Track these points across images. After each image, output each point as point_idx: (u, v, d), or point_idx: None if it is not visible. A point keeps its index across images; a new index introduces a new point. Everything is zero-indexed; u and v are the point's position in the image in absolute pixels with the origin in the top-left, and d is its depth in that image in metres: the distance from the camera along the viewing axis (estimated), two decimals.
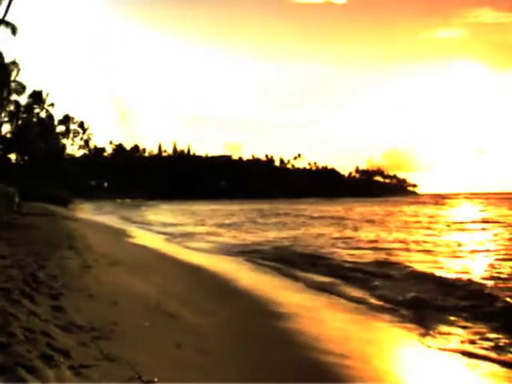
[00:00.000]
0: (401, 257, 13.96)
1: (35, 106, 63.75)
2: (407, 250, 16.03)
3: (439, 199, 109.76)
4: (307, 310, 8.13)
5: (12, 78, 53.78)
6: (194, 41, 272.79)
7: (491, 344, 6.04)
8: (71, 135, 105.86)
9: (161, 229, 27.42)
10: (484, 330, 6.63)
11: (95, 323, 4.95)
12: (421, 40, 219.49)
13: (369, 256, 14.18)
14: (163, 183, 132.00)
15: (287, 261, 13.44)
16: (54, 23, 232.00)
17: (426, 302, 8.28)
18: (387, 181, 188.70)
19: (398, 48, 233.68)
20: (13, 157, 59.68)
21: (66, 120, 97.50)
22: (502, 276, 10.51)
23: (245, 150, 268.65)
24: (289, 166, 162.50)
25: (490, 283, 9.47)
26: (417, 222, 32.05)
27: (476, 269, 11.81)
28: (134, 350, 4.46)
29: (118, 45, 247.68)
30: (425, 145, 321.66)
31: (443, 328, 6.83)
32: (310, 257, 14.15)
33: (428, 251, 15.44)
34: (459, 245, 17.30)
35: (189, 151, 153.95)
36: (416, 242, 18.27)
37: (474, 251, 15.32)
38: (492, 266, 12.10)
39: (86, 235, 15.81)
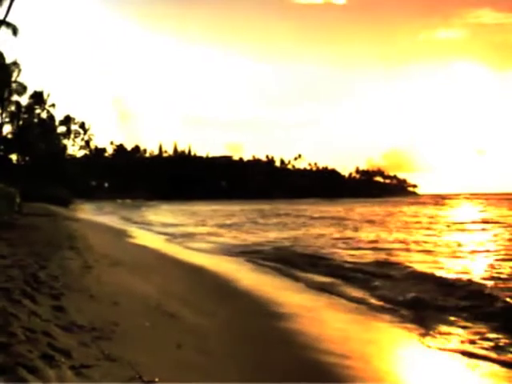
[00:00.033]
0: (401, 257, 13.98)
1: (36, 107, 63.64)
2: (407, 250, 16.04)
3: (439, 200, 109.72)
4: (308, 310, 8.13)
5: (13, 79, 53.86)
6: (194, 41, 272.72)
7: (491, 344, 6.06)
8: (72, 136, 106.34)
9: (161, 229, 27.43)
10: (484, 330, 6.64)
11: (96, 323, 4.96)
12: (421, 40, 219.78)
13: (369, 256, 14.20)
14: (164, 184, 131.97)
15: (288, 261, 13.45)
16: (55, 24, 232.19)
17: (426, 302, 8.29)
18: (387, 181, 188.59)
19: (398, 48, 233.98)
20: (14, 157, 59.68)
21: (67, 120, 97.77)
22: (502, 276, 10.52)
23: (246, 150, 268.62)
24: (289, 166, 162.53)
25: (490, 283, 9.48)
26: (417, 222, 32.07)
27: (476, 269, 11.82)
28: (134, 350, 4.47)
29: (118, 45, 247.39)
30: (425, 145, 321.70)
31: (443, 328, 6.84)
32: (310, 257, 14.17)
33: (428, 251, 15.46)
34: (459, 245, 17.31)
35: (189, 152, 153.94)
36: (416, 243, 18.29)
37: (474, 251, 15.34)
38: (492, 266, 12.12)
39: (87, 235, 15.81)
